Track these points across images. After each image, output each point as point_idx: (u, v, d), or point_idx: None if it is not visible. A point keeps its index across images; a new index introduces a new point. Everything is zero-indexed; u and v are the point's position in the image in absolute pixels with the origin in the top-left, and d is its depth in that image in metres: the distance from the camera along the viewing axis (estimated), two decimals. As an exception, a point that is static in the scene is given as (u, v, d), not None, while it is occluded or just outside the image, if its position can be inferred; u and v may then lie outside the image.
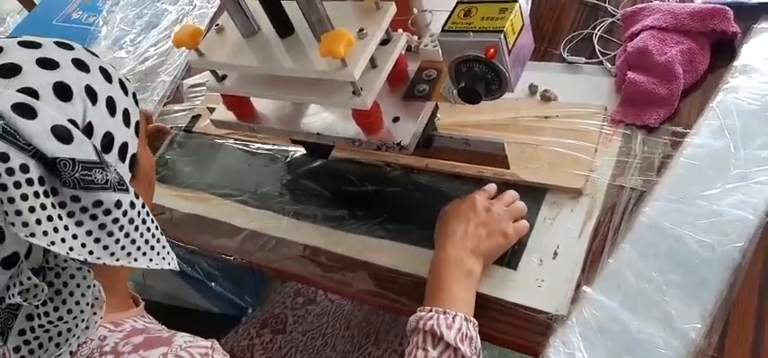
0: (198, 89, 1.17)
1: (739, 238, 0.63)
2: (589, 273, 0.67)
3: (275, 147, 0.99)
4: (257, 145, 1.01)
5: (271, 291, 1.13)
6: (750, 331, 0.59)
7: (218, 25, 0.78)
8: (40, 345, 0.50)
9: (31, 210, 0.45)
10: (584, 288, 0.65)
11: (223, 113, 0.85)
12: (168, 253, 0.57)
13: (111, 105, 0.54)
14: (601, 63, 0.86)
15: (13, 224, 0.44)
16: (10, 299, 0.48)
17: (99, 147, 0.51)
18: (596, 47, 0.88)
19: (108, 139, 0.53)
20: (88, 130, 0.51)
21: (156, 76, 1.24)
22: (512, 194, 0.75)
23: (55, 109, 0.48)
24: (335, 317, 1.02)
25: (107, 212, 0.49)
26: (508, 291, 0.69)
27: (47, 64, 0.50)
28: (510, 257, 0.72)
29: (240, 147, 1.03)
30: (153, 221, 0.55)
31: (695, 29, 0.79)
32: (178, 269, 0.58)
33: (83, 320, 0.51)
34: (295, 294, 1.07)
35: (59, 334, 0.51)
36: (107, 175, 0.49)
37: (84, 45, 0.57)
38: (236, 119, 0.84)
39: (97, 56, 0.57)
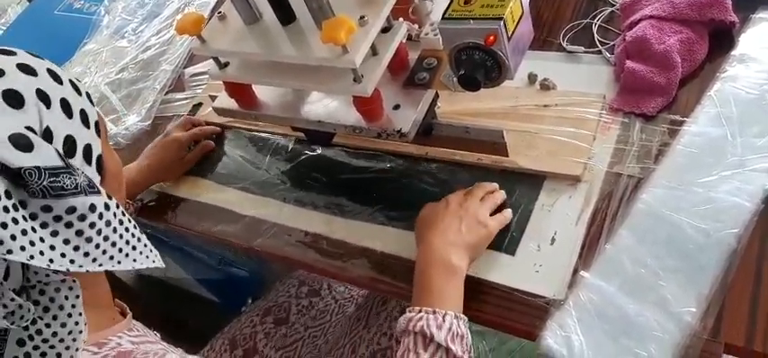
0: (199, 78, 1.18)
1: (735, 224, 0.64)
2: (586, 259, 0.67)
3: (276, 134, 1.00)
4: (259, 132, 1.02)
5: (275, 280, 1.13)
6: (745, 315, 0.59)
7: (220, 13, 0.78)
8: None
9: (4, 226, 0.43)
10: (582, 273, 0.66)
11: (225, 101, 0.86)
12: (151, 250, 0.55)
13: (66, 107, 0.51)
14: (600, 52, 0.87)
15: None
16: None
17: (62, 152, 0.49)
18: (595, 36, 0.88)
19: (70, 143, 0.50)
20: (47, 136, 0.48)
21: (158, 65, 1.25)
22: (483, 187, 0.75)
23: (8, 117, 0.46)
24: (338, 318, 1.03)
25: (82, 217, 0.47)
26: (506, 277, 0.70)
27: None
28: (508, 243, 0.72)
29: (242, 134, 1.04)
30: (130, 220, 0.53)
31: (694, 18, 0.79)
32: (163, 266, 0.56)
33: (80, 332, 0.49)
34: (300, 284, 1.07)
35: (58, 355, 0.48)
36: (76, 180, 0.47)
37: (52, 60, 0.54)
38: (237, 106, 0.85)
39: (42, 58, 0.54)
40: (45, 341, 0.48)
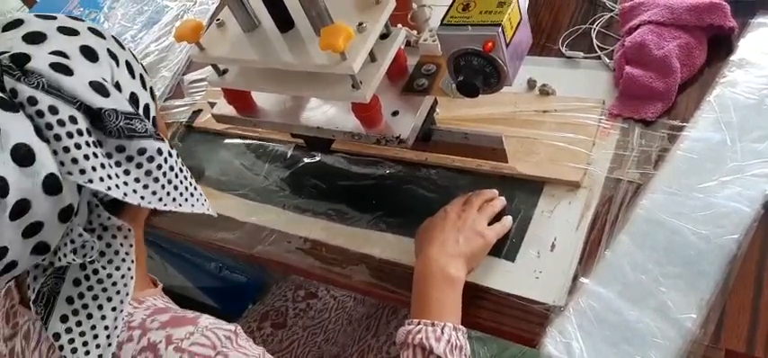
0: (198, 84, 1.18)
1: (735, 230, 0.64)
2: (586, 265, 0.67)
3: (276, 140, 1.00)
4: (258, 139, 1.02)
5: (272, 284, 1.13)
6: (746, 321, 0.59)
7: (219, 20, 0.78)
8: (90, 316, 0.51)
9: (86, 157, 0.46)
10: (582, 279, 0.66)
11: (224, 108, 0.86)
12: (205, 200, 0.59)
13: (130, 68, 0.55)
14: (599, 58, 0.87)
15: (70, 173, 0.46)
16: (60, 260, 0.49)
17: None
18: (594, 42, 0.88)
19: (134, 99, 0.54)
20: (118, 89, 0.52)
21: (157, 71, 1.25)
22: (482, 195, 0.75)
23: (87, 68, 0.50)
24: (338, 314, 1.02)
25: (151, 159, 0.51)
26: (506, 283, 0.70)
27: (68, 31, 0.52)
28: (508, 250, 0.72)
29: (241, 141, 1.04)
30: (188, 172, 0.57)
31: (693, 23, 0.79)
32: (216, 215, 0.60)
33: (131, 278, 0.53)
34: (296, 287, 1.07)
35: (109, 299, 0.52)
36: (146, 125, 0.51)
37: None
38: (236, 113, 0.85)
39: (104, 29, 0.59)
40: (100, 282, 0.52)
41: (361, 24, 0.66)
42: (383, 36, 0.71)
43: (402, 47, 0.74)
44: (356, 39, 0.64)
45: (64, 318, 0.51)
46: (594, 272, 0.66)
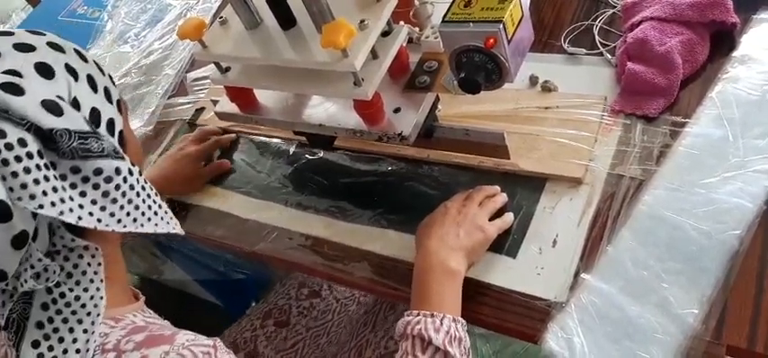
0: (202, 82, 1.18)
1: (737, 226, 0.64)
2: (588, 261, 0.67)
3: (278, 138, 1.00)
4: (260, 136, 1.02)
5: (275, 281, 1.13)
6: (747, 317, 0.59)
7: (221, 18, 0.79)
8: (61, 340, 0.50)
9: (36, 182, 0.45)
10: (583, 275, 0.66)
11: (226, 105, 0.86)
12: (171, 217, 0.58)
13: (92, 82, 0.54)
14: (601, 54, 0.87)
15: (19, 199, 0.44)
16: (22, 285, 0.48)
17: (88, 121, 0.51)
18: (597, 38, 0.88)
19: (95, 115, 0.53)
20: (75, 105, 0.51)
21: (161, 69, 1.25)
22: (484, 190, 0.75)
23: (41, 85, 0.49)
24: (340, 317, 1.03)
25: (108, 179, 0.50)
26: (508, 279, 0.70)
27: (23, 48, 0.51)
28: (510, 246, 0.72)
29: (243, 138, 1.04)
30: (152, 189, 0.56)
31: (695, 19, 0.79)
32: (183, 233, 0.58)
33: (101, 298, 0.52)
34: (300, 285, 1.08)
35: (80, 321, 0.50)
36: (102, 144, 0.50)
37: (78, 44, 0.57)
38: (239, 111, 0.85)
39: (67, 40, 0.57)
40: (68, 305, 0.50)
41: (362, 21, 0.66)
42: (385, 33, 0.71)
43: (404, 44, 0.74)
44: (358, 36, 0.64)
45: (35, 344, 0.49)
46: (596, 269, 0.66)
